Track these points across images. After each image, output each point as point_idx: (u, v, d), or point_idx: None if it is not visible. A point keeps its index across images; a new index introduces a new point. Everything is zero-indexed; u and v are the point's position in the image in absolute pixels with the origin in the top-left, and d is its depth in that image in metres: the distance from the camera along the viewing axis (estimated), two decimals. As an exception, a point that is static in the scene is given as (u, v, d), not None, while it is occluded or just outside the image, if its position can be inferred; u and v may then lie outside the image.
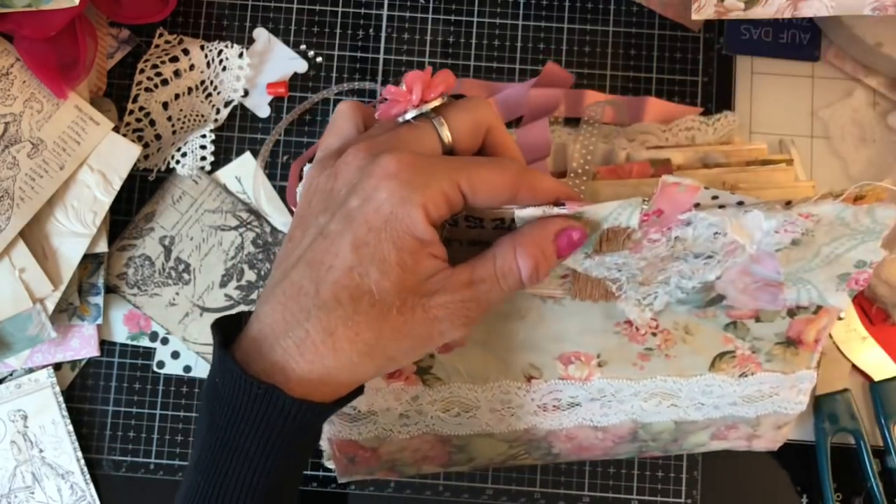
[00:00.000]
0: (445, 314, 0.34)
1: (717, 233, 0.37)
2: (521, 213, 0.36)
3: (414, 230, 0.33)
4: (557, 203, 0.36)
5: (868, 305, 0.55)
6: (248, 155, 0.57)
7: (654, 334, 0.44)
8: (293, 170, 0.56)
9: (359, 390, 0.37)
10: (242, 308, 0.55)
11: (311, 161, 0.56)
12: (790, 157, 0.49)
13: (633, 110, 0.55)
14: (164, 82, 0.57)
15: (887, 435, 0.53)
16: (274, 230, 0.56)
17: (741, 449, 0.51)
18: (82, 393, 0.56)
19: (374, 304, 0.33)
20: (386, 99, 0.37)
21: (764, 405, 0.47)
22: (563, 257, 0.36)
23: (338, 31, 0.58)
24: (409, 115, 0.37)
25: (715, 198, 0.36)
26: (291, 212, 0.56)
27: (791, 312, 0.44)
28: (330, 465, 0.51)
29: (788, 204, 0.37)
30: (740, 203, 0.36)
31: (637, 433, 0.49)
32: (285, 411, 0.33)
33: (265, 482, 0.34)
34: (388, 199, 0.33)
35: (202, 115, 0.57)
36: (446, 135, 0.36)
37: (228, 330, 0.37)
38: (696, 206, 0.36)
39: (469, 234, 0.38)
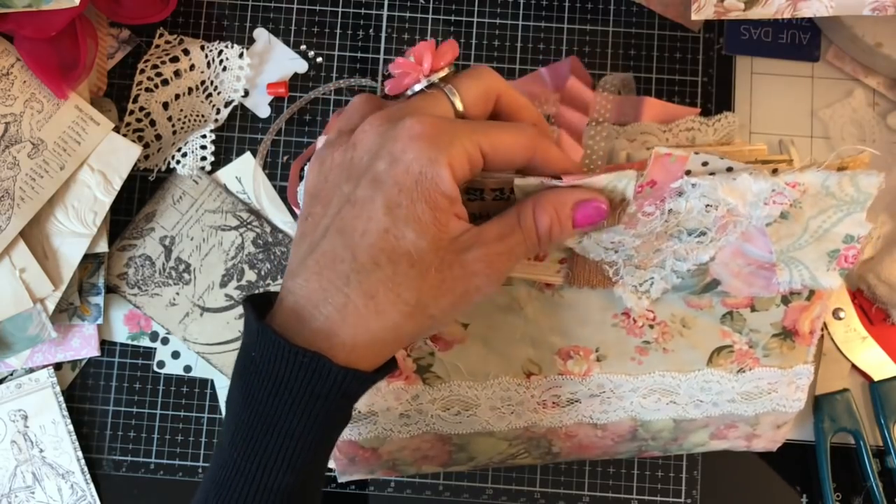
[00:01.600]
0: (482, 268, 0.35)
1: (708, 205, 0.38)
2: (520, 183, 0.36)
3: (444, 188, 0.33)
4: (556, 176, 0.37)
5: (868, 305, 0.55)
6: (248, 155, 0.57)
7: (651, 326, 0.45)
8: (293, 169, 0.56)
9: (392, 364, 0.37)
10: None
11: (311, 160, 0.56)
12: (790, 158, 0.50)
13: (631, 110, 0.55)
14: (165, 82, 0.57)
15: (887, 435, 0.53)
16: (274, 229, 0.56)
17: (740, 449, 0.51)
18: (82, 393, 0.56)
19: (413, 264, 0.33)
20: (393, 75, 0.38)
21: (762, 402, 0.48)
22: (579, 227, 0.37)
23: (338, 31, 0.58)
24: (419, 86, 0.37)
25: (705, 164, 0.37)
26: (292, 211, 0.56)
27: (785, 299, 0.44)
28: (330, 464, 0.51)
29: (775, 172, 0.38)
30: (729, 169, 0.37)
31: (637, 432, 0.49)
32: (331, 380, 0.33)
33: (306, 455, 0.34)
34: (416, 159, 0.33)
35: (202, 116, 0.57)
36: (458, 102, 0.37)
37: (260, 306, 0.36)
38: (688, 173, 0.37)
39: (470, 206, 0.38)
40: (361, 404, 0.47)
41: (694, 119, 0.53)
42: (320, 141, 0.42)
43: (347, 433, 0.48)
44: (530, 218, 0.36)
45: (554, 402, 0.47)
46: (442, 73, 0.37)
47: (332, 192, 0.36)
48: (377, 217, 0.33)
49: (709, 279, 0.43)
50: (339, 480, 0.51)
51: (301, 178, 0.56)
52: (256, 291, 0.56)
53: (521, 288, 0.43)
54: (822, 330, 0.54)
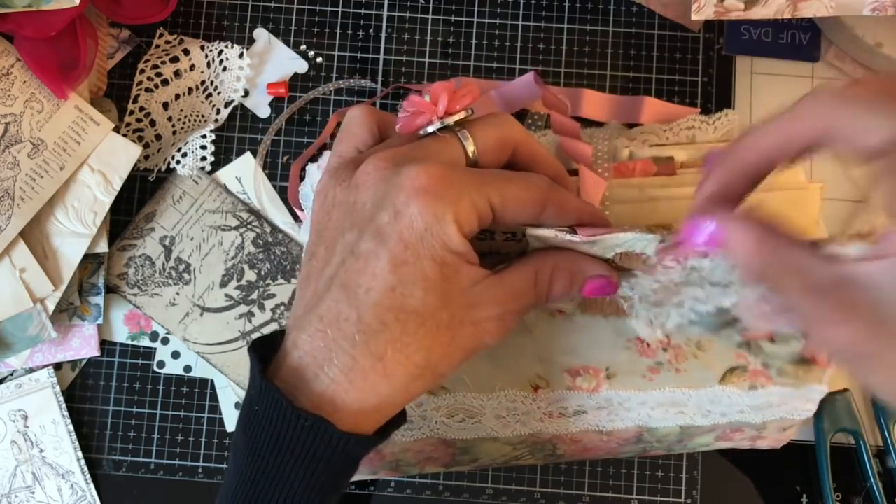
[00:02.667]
0: (493, 327, 0.34)
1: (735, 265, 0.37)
2: (533, 232, 0.35)
3: (450, 245, 0.32)
4: (571, 228, 0.35)
5: (868, 305, 0.55)
6: (248, 155, 0.57)
7: (664, 349, 0.44)
8: (293, 170, 0.56)
9: (401, 418, 0.36)
10: (243, 308, 0.55)
11: (311, 160, 0.56)
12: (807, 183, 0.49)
13: (630, 110, 0.55)
14: (165, 82, 0.57)
15: (887, 435, 0.53)
16: (275, 230, 0.56)
17: (745, 447, 0.51)
18: (82, 393, 0.56)
19: (422, 323, 0.32)
20: (407, 112, 0.36)
21: (772, 412, 0.47)
22: (586, 296, 0.36)
23: (338, 31, 0.58)
24: (432, 128, 0.35)
25: None
26: (292, 212, 0.56)
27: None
28: None
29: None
30: None
31: (642, 436, 0.49)
32: (333, 444, 0.32)
33: None
34: (420, 214, 0.31)
35: (202, 116, 0.57)
36: (472, 149, 0.35)
37: (264, 352, 0.35)
38: None
39: (480, 245, 0.37)
40: None
41: (694, 117, 0.53)
42: (323, 158, 0.41)
43: None
44: (546, 281, 0.35)
45: (560, 413, 0.47)
46: (457, 117, 0.35)
47: (335, 237, 0.34)
48: (382, 274, 0.32)
49: (729, 318, 0.42)
50: None
51: (301, 178, 0.56)
52: (267, 291, 0.56)
53: (531, 313, 0.43)
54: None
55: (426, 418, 0.47)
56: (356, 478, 0.51)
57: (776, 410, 0.47)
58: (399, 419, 0.36)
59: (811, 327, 0.28)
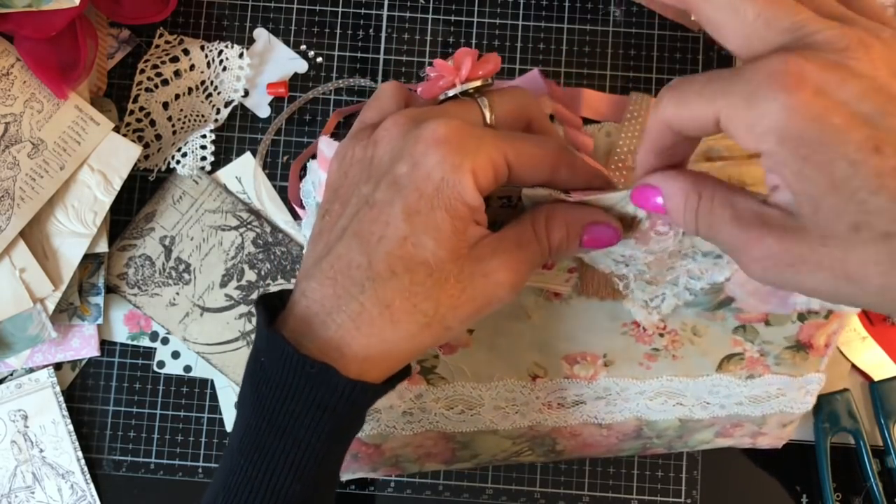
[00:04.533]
0: (505, 276, 0.34)
1: None
2: (529, 192, 0.36)
3: (465, 197, 0.32)
4: (566, 189, 0.36)
5: (868, 305, 0.55)
6: (248, 155, 0.57)
7: (661, 335, 0.44)
8: (293, 168, 0.56)
9: (406, 371, 0.37)
10: (243, 308, 0.55)
11: (312, 158, 0.56)
12: None
13: (618, 108, 0.55)
14: (165, 82, 0.57)
15: (887, 435, 0.53)
16: (274, 229, 0.56)
17: (745, 446, 0.51)
18: (82, 393, 0.56)
19: (430, 273, 0.32)
20: (430, 76, 0.37)
21: (770, 405, 0.47)
22: (587, 247, 0.36)
23: (338, 31, 0.58)
24: (453, 91, 0.36)
25: None
26: (293, 211, 0.56)
27: (801, 317, 0.43)
28: None
29: None
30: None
31: (642, 430, 0.49)
32: (339, 391, 0.32)
33: (313, 464, 0.33)
34: (438, 164, 0.32)
35: (202, 115, 0.57)
36: (489, 116, 0.35)
37: (272, 307, 0.35)
38: None
39: None
40: None
41: None
42: (322, 141, 0.41)
43: None
44: (543, 230, 0.35)
45: (559, 404, 0.47)
46: (477, 83, 0.36)
47: (350, 191, 0.35)
48: (395, 223, 0.32)
49: (723, 297, 0.42)
50: (342, 479, 0.51)
51: (301, 178, 0.56)
52: (268, 291, 0.56)
53: (529, 297, 0.43)
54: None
55: (426, 410, 0.47)
56: (357, 476, 0.51)
57: (774, 403, 0.47)
58: (405, 372, 0.36)
59: (740, 252, 0.30)
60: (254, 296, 0.56)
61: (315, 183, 0.46)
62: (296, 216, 0.56)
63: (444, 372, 0.46)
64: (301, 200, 0.55)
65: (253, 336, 0.55)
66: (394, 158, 0.33)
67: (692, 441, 0.50)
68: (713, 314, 0.43)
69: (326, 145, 0.42)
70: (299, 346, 0.33)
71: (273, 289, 0.56)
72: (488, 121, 0.36)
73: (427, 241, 0.32)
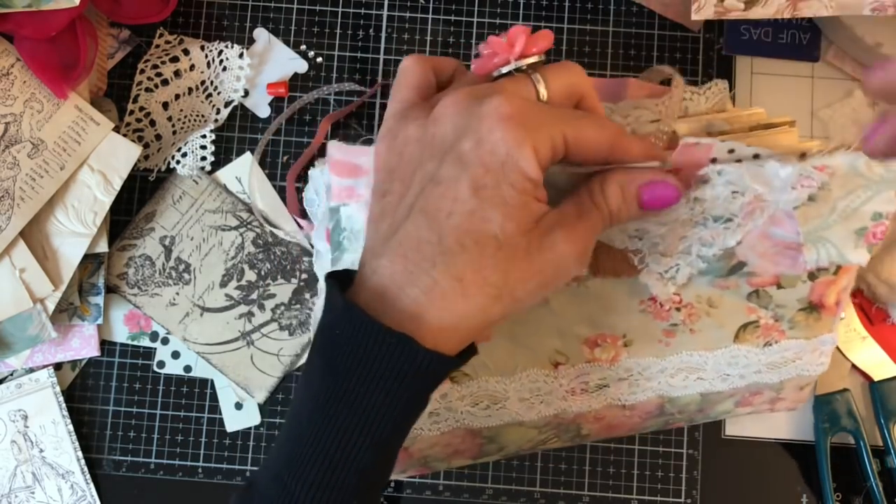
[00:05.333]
0: (571, 248, 0.34)
1: (735, 192, 0.38)
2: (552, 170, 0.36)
3: (529, 172, 0.33)
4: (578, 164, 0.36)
5: (868, 305, 0.55)
6: (248, 155, 0.57)
7: (678, 309, 0.44)
8: (289, 179, 0.56)
9: (473, 349, 0.37)
10: (243, 308, 0.55)
11: (310, 164, 0.56)
12: (792, 119, 0.49)
13: (614, 92, 0.55)
14: (165, 82, 0.57)
15: (887, 435, 0.53)
16: (274, 228, 0.56)
17: (764, 412, 0.51)
18: (82, 393, 0.56)
19: (500, 246, 0.33)
20: (483, 53, 0.37)
21: (787, 370, 0.47)
22: (648, 208, 0.36)
23: (338, 31, 0.58)
24: (507, 68, 0.36)
25: (731, 151, 0.37)
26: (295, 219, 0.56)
27: (812, 276, 0.43)
28: None
29: (803, 156, 0.38)
30: (756, 156, 0.37)
31: (664, 407, 0.49)
32: (417, 361, 0.33)
33: (386, 435, 0.34)
34: (503, 140, 0.32)
35: (202, 115, 0.57)
36: (543, 92, 0.36)
37: (342, 283, 0.36)
38: (713, 161, 0.37)
39: None
40: None
41: (685, 90, 0.53)
42: (331, 146, 0.41)
43: None
44: (600, 197, 0.36)
45: (583, 389, 0.47)
46: (531, 60, 0.36)
47: (412, 169, 0.35)
48: (463, 198, 0.33)
49: (735, 262, 0.42)
50: None
51: (298, 189, 0.56)
52: (269, 290, 0.56)
53: None
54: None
55: (451, 409, 0.47)
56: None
57: (791, 368, 0.47)
58: (472, 350, 0.37)
59: None
60: (254, 295, 0.56)
61: (318, 190, 0.46)
62: (300, 221, 0.56)
63: (466, 368, 0.46)
64: (301, 211, 0.54)
65: (253, 336, 0.55)
66: (458, 135, 0.33)
67: (713, 413, 0.50)
68: (726, 281, 0.43)
69: (337, 149, 0.42)
70: (375, 318, 0.33)
71: (273, 289, 0.56)
72: (542, 97, 0.36)
73: (495, 214, 0.33)
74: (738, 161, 0.37)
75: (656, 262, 0.42)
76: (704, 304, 0.44)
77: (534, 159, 0.33)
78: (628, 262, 0.42)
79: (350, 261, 0.42)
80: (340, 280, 0.36)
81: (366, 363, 0.33)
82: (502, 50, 0.36)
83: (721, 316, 0.45)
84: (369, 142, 0.50)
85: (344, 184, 0.45)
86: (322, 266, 0.47)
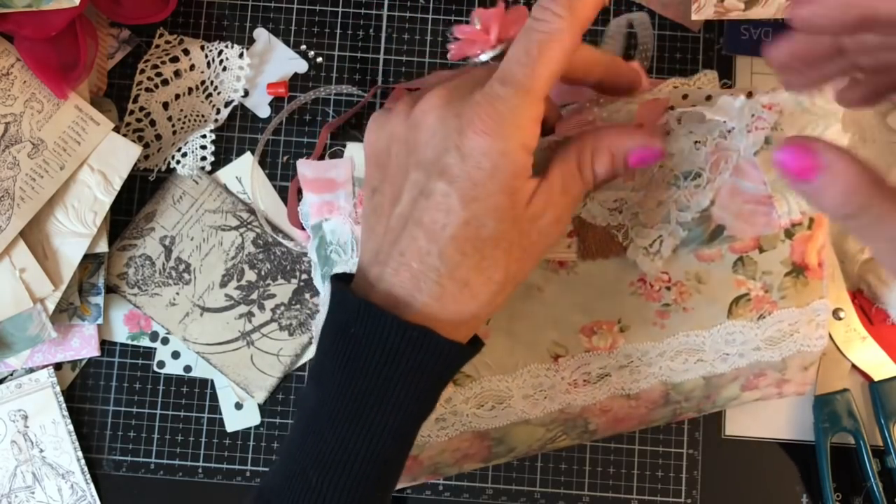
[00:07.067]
0: (556, 228, 0.36)
1: (697, 142, 0.40)
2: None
3: (518, 172, 0.34)
4: (550, 130, 0.38)
5: (868, 305, 0.55)
6: (248, 155, 0.57)
7: (668, 288, 0.45)
8: (291, 190, 0.56)
9: (480, 342, 0.38)
10: (243, 308, 0.55)
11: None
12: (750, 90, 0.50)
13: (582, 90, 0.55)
14: (165, 82, 0.57)
15: (887, 435, 0.53)
16: (274, 229, 0.56)
17: (772, 398, 0.51)
18: (82, 393, 0.56)
19: (496, 246, 0.35)
20: (458, 40, 0.37)
21: (787, 345, 0.48)
22: (633, 167, 0.37)
23: (338, 31, 0.58)
24: (486, 56, 0.36)
25: (685, 97, 0.39)
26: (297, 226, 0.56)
27: (789, 233, 0.44)
28: None
29: (750, 95, 0.40)
30: (709, 98, 0.39)
31: (669, 395, 0.49)
32: (438, 353, 0.34)
33: (408, 427, 0.35)
34: (486, 154, 0.33)
35: (202, 115, 0.57)
36: None
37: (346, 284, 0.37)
38: (671, 108, 0.39)
39: None
40: None
41: (675, 81, 0.53)
42: (300, 164, 0.42)
43: None
44: (588, 164, 0.37)
45: (585, 380, 0.47)
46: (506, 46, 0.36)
47: (400, 175, 0.36)
48: (455, 210, 0.34)
49: (714, 226, 0.43)
50: None
51: (299, 200, 0.55)
52: (269, 291, 0.56)
53: (536, 271, 0.44)
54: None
55: (457, 413, 0.47)
56: (398, 486, 0.51)
57: (790, 343, 0.47)
58: (479, 340, 0.38)
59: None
60: (254, 296, 0.56)
61: (306, 213, 0.47)
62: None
63: (468, 370, 0.46)
64: (300, 222, 0.54)
65: (253, 336, 0.55)
66: (439, 148, 0.34)
67: (720, 399, 0.50)
68: (710, 251, 0.44)
69: (307, 167, 0.42)
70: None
71: (273, 289, 0.56)
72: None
73: (488, 220, 0.34)
74: (693, 106, 0.39)
75: (640, 236, 0.43)
76: (693, 280, 0.45)
77: (522, 158, 0.34)
78: (613, 239, 0.43)
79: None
80: (344, 280, 0.37)
81: (389, 360, 0.34)
82: (477, 38, 0.36)
83: (711, 291, 0.45)
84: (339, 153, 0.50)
85: (322, 199, 0.45)
86: (317, 280, 0.47)
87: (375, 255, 0.36)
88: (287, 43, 0.58)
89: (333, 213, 0.44)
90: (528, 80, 0.33)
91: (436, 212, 0.34)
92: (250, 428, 0.56)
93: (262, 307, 0.56)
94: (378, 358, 0.34)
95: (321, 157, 0.57)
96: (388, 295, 0.35)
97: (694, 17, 0.50)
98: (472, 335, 0.37)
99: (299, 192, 0.56)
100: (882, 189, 0.28)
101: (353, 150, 0.46)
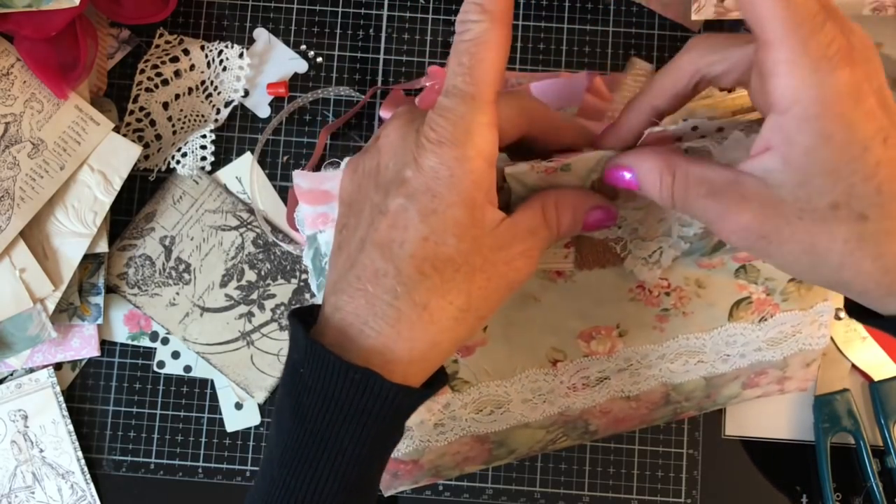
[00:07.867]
0: (523, 263, 0.35)
1: None
2: (511, 171, 0.36)
3: (477, 182, 0.33)
4: (546, 156, 0.37)
5: (868, 305, 0.55)
6: (248, 155, 0.57)
7: (667, 294, 0.45)
8: (291, 196, 0.56)
9: (444, 378, 0.37)
10: (243, 308, 0.55)
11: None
12: None
13: (574, 93, 0.55)
14: (165, 82, 0.57)
15: (887, 435, 0.53)
16: (274, 229, 0.56)
17: (774, 394, 0.51)
18: (82, 393, 0.56)
19: (457, 269, 0.33)
20: (426, 85, 0.37)
21: (788, 345, 0.47)
22: (588, 229, 0.37)
23: (338, 31, 0.58)
24: None
25: (695, 128, 0.37)
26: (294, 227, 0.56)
27: None
28: None
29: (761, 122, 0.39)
30: (720, 129, 0.38)
31: (669, 396, 0.49)
32: (382, 397, 0.33)
33: (357, 473, 0.34)
34: (442, 163, 0.32)
35: (202, 115, 0.57)
36: None
37: (305, 321, 0.36)
38: (679, 140, 0.37)
39: None
40: None
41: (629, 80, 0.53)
42: (295, 175, 0.42)
43: None
44: (553, 216, 0.36)
45: (584, 384, 0.47)
46: None
47: (363, 203, 0.35)
48: (413, 226, 0.33)
49: (716, 239, 0.42)
50: (385, 495, 0.51)
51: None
52: (269, 291, 0.56)
53: (533, 280, 0.43)
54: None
55: (456, 418, 0.47)
56: (399, 490, 0.51)
57: (792, 342, 0.47)
58: (441, 377, 0.37)
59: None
60: (254, 296, 0.56)
61: (301, 220, 0.47)
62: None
63: (466, 376, 0.46)
64: (298, 227, 0.54)
65: (253, 336, 0.55)
66: (399, 164, 0.34)
67: (721, 398, 0.50)
68: (711, 260, 0.44)
69: (302, 178, 0.43)
70: (340, 355, 0.33)
71: (273, 289, 0.56)
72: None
73: (448, 237, 0.33)
74: (703, 137, 0.38)
75: (639, 248, 0.42)
76: (693, 285, 0.44)
77: (479, 166, 0.33)
78: (611, 251, 0.42)
79: None
80: (306, 317, 0.36)
81: (332, 402, 0.33)
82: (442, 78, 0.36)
83: (711, 295, 0.45)
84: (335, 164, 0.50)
85: (317, 211, 0.45)
86: (314, 287, 0.47)
87: (334, 285, 0.35)
88: (287, 43, 0.58)
89: (328, 225, 0.44)
90: (469, 86, 0.33)
91: (392, 229, 0.33)
92: (250, 428, 0.56)
93: (262, 307, 0.56)
94: (323, 401, 0.33)
95: (320, 160, 0.57)
96: (340, 327, 0.34)
97: (694, 17, 0.50)
98: (434, 372, 0.35)
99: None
100: (685, 175, 0.33)
101: None
